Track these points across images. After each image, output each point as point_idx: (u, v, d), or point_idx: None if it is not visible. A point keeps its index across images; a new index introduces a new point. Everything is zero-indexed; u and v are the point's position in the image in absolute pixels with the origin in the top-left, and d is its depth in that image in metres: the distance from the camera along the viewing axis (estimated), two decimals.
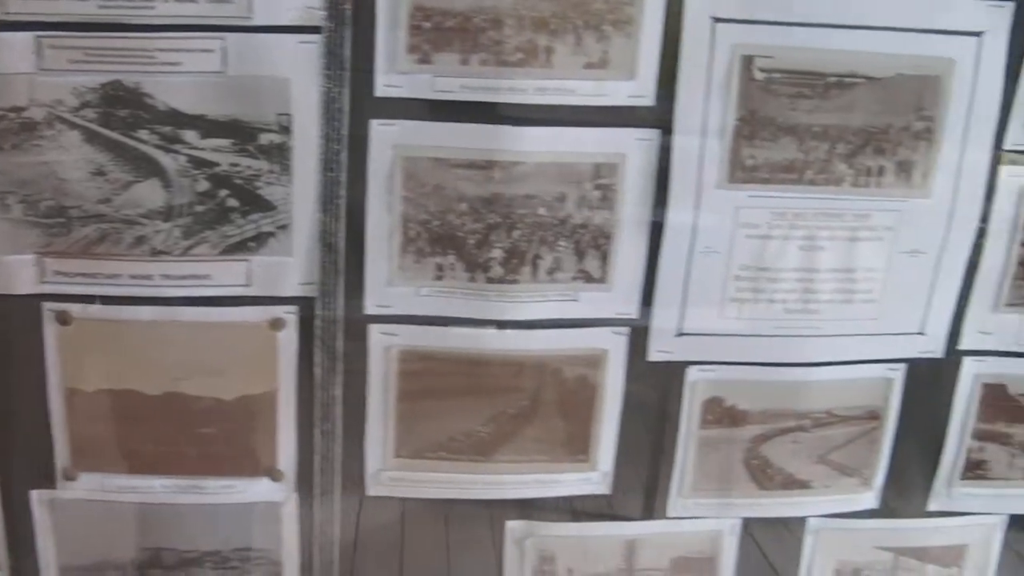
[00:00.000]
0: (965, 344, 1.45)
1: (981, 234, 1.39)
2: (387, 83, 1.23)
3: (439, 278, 1.31)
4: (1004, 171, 1.37)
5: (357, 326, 1.33)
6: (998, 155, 1.36)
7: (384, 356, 1.34)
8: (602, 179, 1.29)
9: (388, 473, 1.40)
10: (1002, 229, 1.39)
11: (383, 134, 1.25)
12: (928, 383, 1.46)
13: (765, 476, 1.46)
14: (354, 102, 1.23)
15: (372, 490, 1.40)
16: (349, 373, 1.34)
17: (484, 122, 1.26)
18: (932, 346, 1.43)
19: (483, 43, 1.22)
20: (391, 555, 1.47)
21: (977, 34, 1.30)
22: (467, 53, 1.22)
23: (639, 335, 1.37)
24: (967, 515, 1.55)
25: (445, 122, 1.26)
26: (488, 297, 1.31)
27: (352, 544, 1.43)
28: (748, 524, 1.50)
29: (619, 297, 1.35)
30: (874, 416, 1.46)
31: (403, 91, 1.23)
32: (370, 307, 1.32)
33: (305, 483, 1.38)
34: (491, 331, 1.34)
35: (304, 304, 1.31)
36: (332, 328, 1.31)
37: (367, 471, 1.39)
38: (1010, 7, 1.30)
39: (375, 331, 1.33)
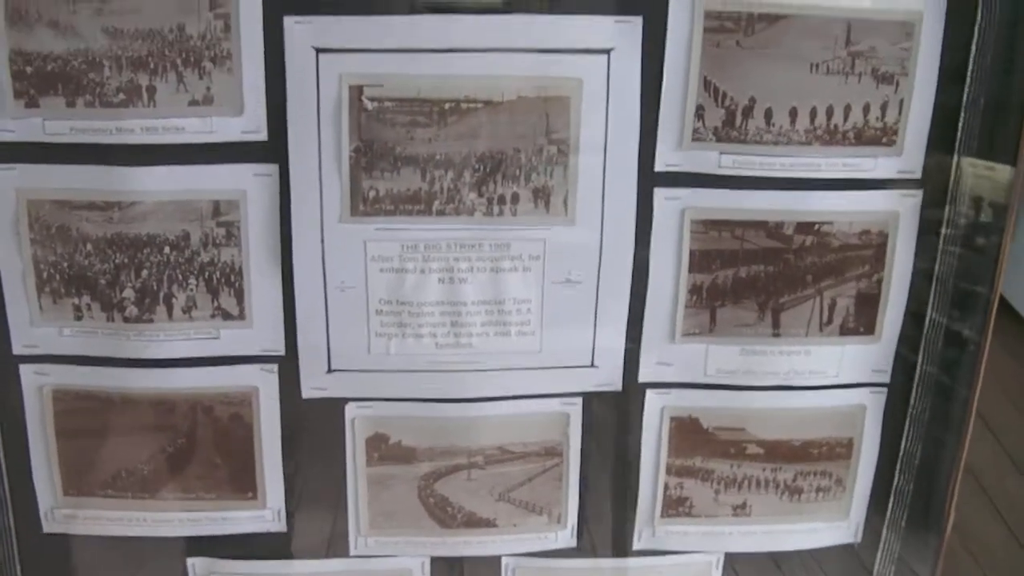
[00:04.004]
0: (645, 377, 1.37)
1: (644, 261, 1.31)
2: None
3: (79, 318, 1.31)
4: (660, 194, 1.29)
5: (8, 366, 1.32)
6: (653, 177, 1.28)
7: (38, 395, 1.35)
8: (224, 216, 1.27)
9: (61, 511, 1.40)
10: (666, 255, 1.31)
11: (3, 178, 1.25)
12: (612, 418, 1.39)
13: (446, 514, 1.41)
14: None
15: (47, 528, 1.41)
16: (7, 414, 1.34)
17: (103, 163, 1.25)
18: (607, 379, 1.36)
19: (85, 85, 1.21)
20: None
21: (606, 51, 1.23)
22: (72, 96, 1.22)
23: (291, 372, 1.33)
24: (679, 554, 1.46)
25: (62, 164, 1.25)
26: (128, 336, 1.31)
27: None
28: (443, 563, 1.45)
29: (262, 334, 1.32)
30: (554, 452, 1.40)
31: (16, 135, 1.23)
32: (17, 347, 1.32)
33: None
34: (137, 371, 1.33)
35: None
36: None
37: (40, 510, 1.39)
38: (638, 21, 1.23)
39: (26, 371, 1.34)
